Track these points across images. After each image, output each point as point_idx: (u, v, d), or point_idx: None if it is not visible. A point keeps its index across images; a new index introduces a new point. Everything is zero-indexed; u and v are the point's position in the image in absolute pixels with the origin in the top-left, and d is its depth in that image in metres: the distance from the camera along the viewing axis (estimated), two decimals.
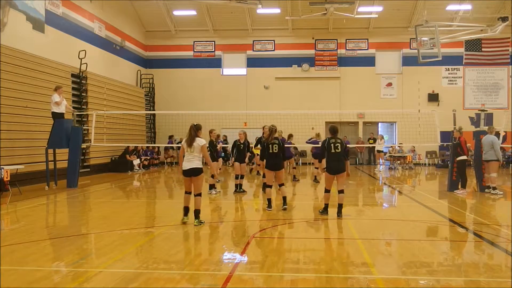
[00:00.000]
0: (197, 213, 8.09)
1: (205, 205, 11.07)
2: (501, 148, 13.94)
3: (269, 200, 9.77)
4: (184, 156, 8.16)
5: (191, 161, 8.04)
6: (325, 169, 8.98)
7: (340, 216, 8.75)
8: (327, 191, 9.05)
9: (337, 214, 8.79)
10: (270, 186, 9.77)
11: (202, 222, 8.06)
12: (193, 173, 8.06)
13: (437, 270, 5.50)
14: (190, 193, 8.23)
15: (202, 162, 8.27)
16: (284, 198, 9.74)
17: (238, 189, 12.67)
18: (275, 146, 9.60)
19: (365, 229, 7.97)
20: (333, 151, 8.76)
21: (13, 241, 6.85)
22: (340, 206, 8.85)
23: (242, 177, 12.85)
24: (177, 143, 21.96)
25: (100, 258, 6.05)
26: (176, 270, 5.51)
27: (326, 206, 9.06)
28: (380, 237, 7.48)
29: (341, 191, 8.89)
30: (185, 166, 8.08)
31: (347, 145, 9.17)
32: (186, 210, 8.25)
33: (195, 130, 8.15)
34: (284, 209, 9.58)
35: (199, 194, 8.15)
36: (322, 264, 5.65)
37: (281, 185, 9.66)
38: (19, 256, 6.05)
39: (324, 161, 8.99)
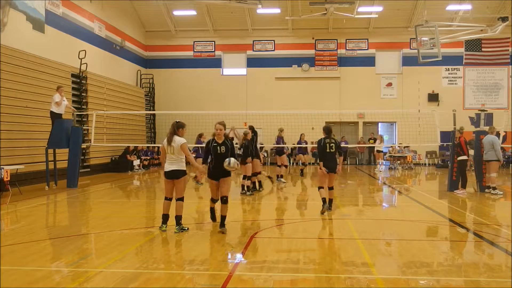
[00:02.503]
0: (178, 219, 7.45)
1: (205, 205, 11.08)
2: (501, 148, 13.93)
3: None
4: (166, 157, 7.50)
5: (173, 162, 7.39)
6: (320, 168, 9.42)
7: (330, 209, 9.32)
8: (321, 187, 9.45)
9: (328, 208, 9.33)
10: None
11: (184, 229, 7.42)
12: (175, 175, 7.40)
13: (437, 270, 5.50)
14: (170, 199, 7.53)
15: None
16: (223, 219, 7.55)
17: (243, 190, 12.49)
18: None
19: (365, 229, 7.97)
20: (328, 150, 9.25)
21: (13, 241, 6.85)
22: (330, 201, 9.45)
23: (245, 177, 12.63)
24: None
25: (100, 258, 6.05)
26: (176, 270, 5.51)
27: (324, 199, 9.38)
28: (380, 237, 7.48)
29: (331, 188, 9.49)
30: (166, 168, 7.44)
31: (340, 144, 9.68)
32: (165, 218, 7.52)
33: (174, 128, 7.44)
34: (221, 232, 7.42)
35: (181, 199, 7.50)
36: (322, 264, 5.65)
37: (223, 198, 7.54)
38: (19, 256, 6.05)
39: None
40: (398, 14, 25.05)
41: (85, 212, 10.31)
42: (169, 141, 7.39)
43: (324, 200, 9.31)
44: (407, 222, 8.78)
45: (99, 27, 21.07)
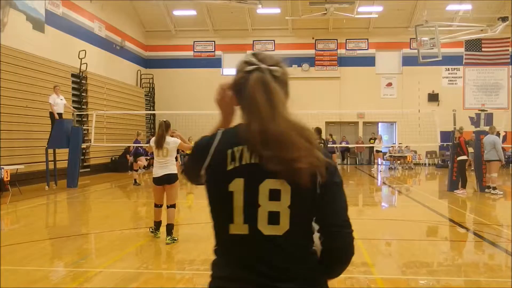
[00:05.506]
0: (170, 228, 6.63)
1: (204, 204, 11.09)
2: (502, 148, 13.93)
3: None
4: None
5: (165, 166, 6.63)
6: None
7: None
8: None
9: None
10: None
11: (175, 240, 6.69)
12: (168, 180, 6.66)
13: (437, 270, 5.50)
14: (161, 206, 6.89)
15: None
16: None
17: None
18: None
19: (365, 229, 7.97)
20: None
21: (13, 241, 6.84)
22: None
23: None
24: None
25: (100, 258, 6.05)
26: (176, 270, 5.51)
27: None
28: (380, 237, 7.48)
29: None
30: (157, 173, 6.67)
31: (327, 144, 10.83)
32: (158, 224, 6.92)
33: (164, 129, 6.70)
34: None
35: (173, 206, 6.73)
36: None
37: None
38: (19, 256, 6.04)
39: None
40: (398, 14, 25.03)
41: (85, 212, 10.31)
42: (160, 144, 6.62)
43: None
44: (407, 222, 8.77)
45: (99, 27, 21.06)
